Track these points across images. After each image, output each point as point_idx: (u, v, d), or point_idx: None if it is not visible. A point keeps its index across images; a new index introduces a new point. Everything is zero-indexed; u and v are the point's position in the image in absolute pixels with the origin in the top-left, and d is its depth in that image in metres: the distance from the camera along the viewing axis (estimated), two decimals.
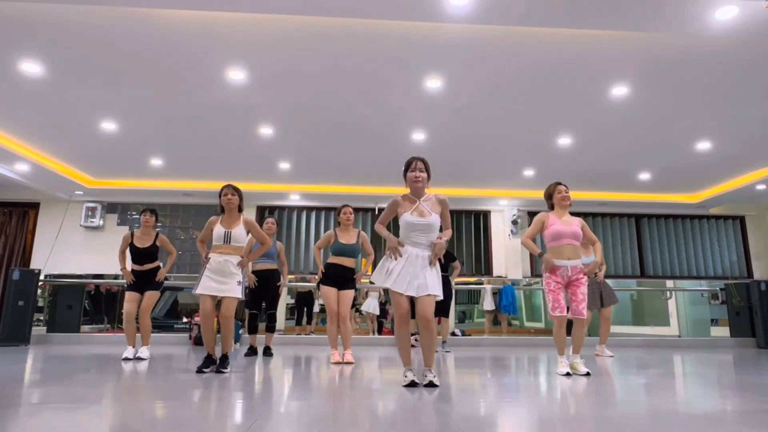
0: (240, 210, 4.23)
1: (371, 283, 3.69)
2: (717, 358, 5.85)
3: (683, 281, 9.52)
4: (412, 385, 3.24)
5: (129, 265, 5.23)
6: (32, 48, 4.27)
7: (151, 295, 5.12)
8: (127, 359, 4.88)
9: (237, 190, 4.21)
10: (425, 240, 3.38)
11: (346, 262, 4.97)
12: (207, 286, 3.97)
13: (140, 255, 5.13)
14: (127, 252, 5.18)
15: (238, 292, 4.03)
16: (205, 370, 3.93)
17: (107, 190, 8.43)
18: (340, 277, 4.94)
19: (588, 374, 3.94)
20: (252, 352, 5.68)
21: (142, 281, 5.14)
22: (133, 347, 5.05)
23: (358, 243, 5.04)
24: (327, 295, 4.86)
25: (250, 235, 4.24)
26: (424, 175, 3.47)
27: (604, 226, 9.78)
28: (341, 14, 3.72)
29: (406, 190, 3.57)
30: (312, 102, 5.33)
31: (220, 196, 4.19)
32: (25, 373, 3.81)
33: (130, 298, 5.06)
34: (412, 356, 3.72)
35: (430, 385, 3.25)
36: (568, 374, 3.88)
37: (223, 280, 4.00)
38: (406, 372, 3.36)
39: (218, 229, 4.09)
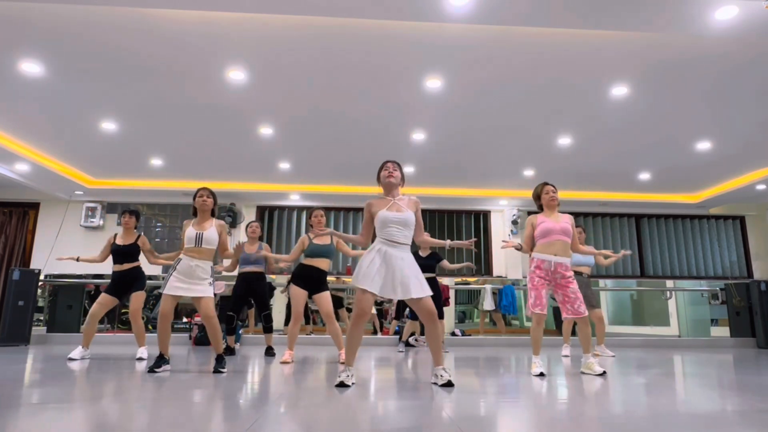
0: (213, 214, 4.23)
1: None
2: (717, 358, 5.85)
3: (683, 281, 9.51)
4: (342, 385, 3.20)
5: (105, 268, 5.15)
6: (32, 48, 4.27)
7: (138, 297, 5.00)
8: (72, 360, 4.73)
9: (212, 193, 4.22)
10: (402, 237, 3.36)
11: (321, 263, 4.91)
12: (172, 286, 3.94)
13: (122, 253, 5.04)
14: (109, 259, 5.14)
15: (209, 292, 4.03)
16: (156, 369, 3.88)
17: (107, 190, 8.43)
18: (312, 279, 4.87)
19: (604, 373, 3.92)
20: (230, 351, 5.66)
21: (121, 284, 5.02)
22: (85, 349, 4.88)
23: (333, 243, 4.99)
24: (295, 297, 4.79)
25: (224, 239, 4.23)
26: (398, 173, 3.51)
27: (604, 226, 9.78)
28: (341, 14, 3.72)
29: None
30: (312, 102, 5.33)
31: (194, 198, 4.19)
32: (25, 373, 3.81)
33: (103, 300, 4.91)
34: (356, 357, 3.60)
35: (449, 384, 3.23)
36: (542, 375, 3.84)
37: (191, 282, 3.99)
38: (344, 372, 3.29)
39: (190, 231, 4.07)
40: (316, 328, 8.66)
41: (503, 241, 4.17)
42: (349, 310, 8.46)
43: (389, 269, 3.27)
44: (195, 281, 4.00)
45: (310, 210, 5.09)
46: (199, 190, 4.20)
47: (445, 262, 6.57)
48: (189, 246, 4.06)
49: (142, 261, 5.36)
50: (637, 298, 10.11)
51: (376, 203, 3.48)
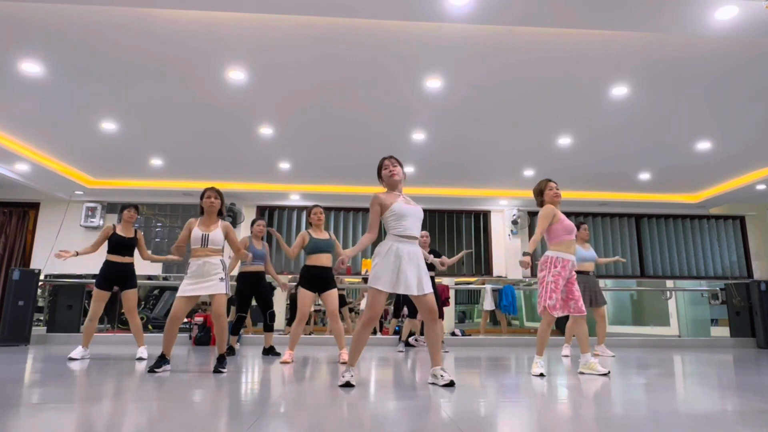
0: (220, 214, 4.25)
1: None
2: (717, 358, 5.85)
3: (683, 281, 9.52)
4: (348, 385, 3.20)
5: (96, 258, 5.07)
6: (32, 48, 4.27)
7: (132, 295, 5.02)
8: (73, 359, 4.74)
9: (219, 194, 4.23)
10: (415, 230, 3.32)
11: (324, 260, 4.90)
12: (185, 288, 3.96)
13: (122, 245, 5.03)
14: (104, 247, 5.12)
15: (222, 288, 4.03)
16: (156, 369, 3.87)
17: (107, 190, 8.43)
18: (320, 279, 4.86)
19: (608, 373, 3.93)
20: (230, 351, 5.67)
21: (116, 276, 4.99)
22: (85, 349, 4.88)
23: (332, 238, 5.00)
24: (303, 299, 4.79)
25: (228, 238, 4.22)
26: (399, 169, 3.44)
27: (604, 226, 9.78)
28: (341, 14, 3.73)
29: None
30: (312, 102, 5.33)
31: (201, 198, 4.20)
32: (25, 373, 3.81)
33: (100, 297, 4.90)
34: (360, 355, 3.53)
35: (451, 384, 3.23)
36: (542, 375, 3.82)
37: (202, 281, 4.00)
38: (347, 372, 3.27)
39: (196, 232, 4.09)
40: (316, 328, 8.66)
41: (523, 261, 3.88)
42: (351, 310, 8.47)
43: (400, 266, 3.23)
44: (206, 278, 4.02)
45: (309, 207, 5.09)
46: (206, 190, 4.20)
47: (444, 258, 6.58)
48: (195, 247, 4.08)
49: (136, 259, 5.36)
50: (637, 298, 10.11)
51: (385, 197, 3.37)
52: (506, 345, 7.80)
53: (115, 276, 5.00)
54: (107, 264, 5.02)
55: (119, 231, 5.09)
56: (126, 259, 5.07)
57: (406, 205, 3.33)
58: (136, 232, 5.18)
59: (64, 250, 4.79)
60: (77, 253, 5.01)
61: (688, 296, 9.31)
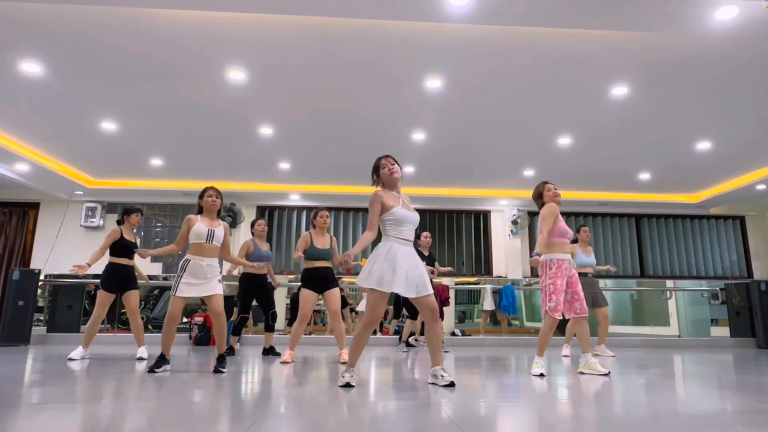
0: (218, 214, 4.25)
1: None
2: (717, 358, 5.85)
3: (683, 281, 9.51)
4: (348, 386, 3.20)
5: (102, 260, 5.02)
6: (32, 48, 4.27)
7: (135, 295, 5.06)
8: (72, 360, 4.77)
9: (219, 194, 4.25)
10: (412, 235, 3.37)
11: (324, 264, 4.95)
12: (183, 288, 3.95)
13: (129, 249, 5.07)
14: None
15: (220, 289, 4.07)
16: (156, 369, 3.88)
17: (107, 190, 8.44)
18: (322, 279, 4.89)
19: (608, 373, 3.93)
20: (230, 351, 5.67)
21: (121, 279, 5.01)
22: (85, 349, 4.91)
23: (331, 248, 5.01)
24: (305, 300, 4.80)
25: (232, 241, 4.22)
26: (397, 167, 3.43)
27: (604, 226, 9.79)
28: (341, 14, 3.73)
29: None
30: (312, 102, 5.33)
31: (201, 197, 4.18)
32: (25, 373, 3.81)
33: (107, 300, 4.92)
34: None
35: (452, 385, 3.23)
36: (542, 375, 3.81)
37: (202, 282, 4.00)
38: (347, 372, 3.27)
39: (201, 227, 4.05)
40: (316, 328, 8.66)
41: (532, 260, 4.02)
42: (352, 310, 8.47)
43: (404, 267, 3.23)
44: (206, 280, 4.03)
45: (315, 210, 5.08)
46: (207, 189, 4.19)
47: (436, 264, 6.73)
48: (199, 241, 4.04)
49: (138, 258, 5.39)
50: (637, 298, 10.10)
51: (387, 196, 3.34)
52: (506, 345, 7.80)
53: (121, 278, 5.03)
54: (113, 266, 5.02)
55: (125, 235, 5.10)
56: (130, 262, 5.12)
57: (406, 212, 3.34)
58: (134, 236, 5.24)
59: (78, 265, 4.71)
60: (89, 265, 4.95)
61: (688, 296, 9.31)
